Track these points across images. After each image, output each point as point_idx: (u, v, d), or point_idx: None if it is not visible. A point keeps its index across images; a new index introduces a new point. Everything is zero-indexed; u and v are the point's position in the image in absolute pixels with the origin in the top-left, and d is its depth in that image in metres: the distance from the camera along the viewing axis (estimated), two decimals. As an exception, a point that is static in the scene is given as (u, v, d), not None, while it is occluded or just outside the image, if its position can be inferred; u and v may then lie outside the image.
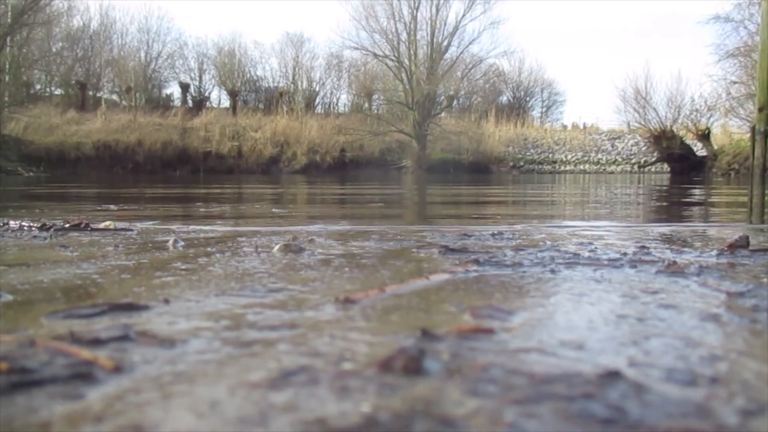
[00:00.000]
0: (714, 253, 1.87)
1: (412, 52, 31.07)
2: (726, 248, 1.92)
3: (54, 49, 29.64)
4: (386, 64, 31.79)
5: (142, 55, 32.93)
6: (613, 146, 31.99)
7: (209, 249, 1.98)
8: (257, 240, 2.21)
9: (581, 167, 30.39)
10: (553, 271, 1.52)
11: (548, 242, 2.15)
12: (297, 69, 33.71)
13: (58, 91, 31.10)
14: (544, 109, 39.61)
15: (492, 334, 0.93)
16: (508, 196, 6.88)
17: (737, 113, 24.05)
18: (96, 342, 0.88)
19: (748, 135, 18.85)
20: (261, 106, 32.96)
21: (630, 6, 72.96)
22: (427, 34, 31.46)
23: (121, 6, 45.19)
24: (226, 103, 33.22)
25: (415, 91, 30.19)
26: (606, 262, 1.65)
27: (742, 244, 1.94)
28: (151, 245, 2.08)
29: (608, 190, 8.41)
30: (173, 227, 2.70)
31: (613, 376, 0.73)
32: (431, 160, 28.27)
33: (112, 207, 4.42)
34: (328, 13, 76.51)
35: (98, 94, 31.98)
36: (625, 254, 1.81)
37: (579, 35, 73.53)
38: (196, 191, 8.13)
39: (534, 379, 0.72)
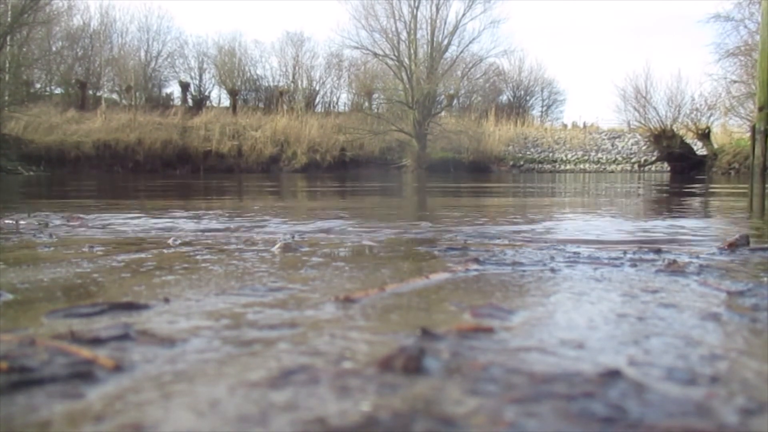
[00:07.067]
0: (714, 252, 1.87)
1: (412, 51, 31.02)
2: (726, 247, 1.92)
3: (54, 48, 29.59)
4: (386, 63, 31.74)
5: (142, 54, 32.92)
6: (613, 145, 31.94)
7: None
8: (257, 239, 2.21)
9: (581, 166, 30.34)
10: (553, 270, 1.52)
11: (548, 241, 2.15)
12: (297, 68, 33.69)
13: (58, 90, 31.03)
14: (544, 108, 39.58)
15: (492, 333, 0.93)
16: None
17: (737, 112, 24.02)
18: (96, 341, 0.88)
19: (748, 134, 18.80)
20: (261, 105, 32.90)
21: (630, 5, 72.84)
22: (428, 33, 31.41)
23: (121, 5, 45.16)
24: (226, 102, 33.19)
25: (415, 90, 30.12)
26: (606, 261, 1.65)
27: (742, 242, 1.94)
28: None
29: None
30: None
31: (613, 375, 0.73)
32: (431, 159, 28.23)
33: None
34: (328, 13, 76.37)
35: (98, 93, 31.93)
36: (625, 253, 1.81)
37: (579, 34, 73.50)
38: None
39: (534, 378, 0.72)
